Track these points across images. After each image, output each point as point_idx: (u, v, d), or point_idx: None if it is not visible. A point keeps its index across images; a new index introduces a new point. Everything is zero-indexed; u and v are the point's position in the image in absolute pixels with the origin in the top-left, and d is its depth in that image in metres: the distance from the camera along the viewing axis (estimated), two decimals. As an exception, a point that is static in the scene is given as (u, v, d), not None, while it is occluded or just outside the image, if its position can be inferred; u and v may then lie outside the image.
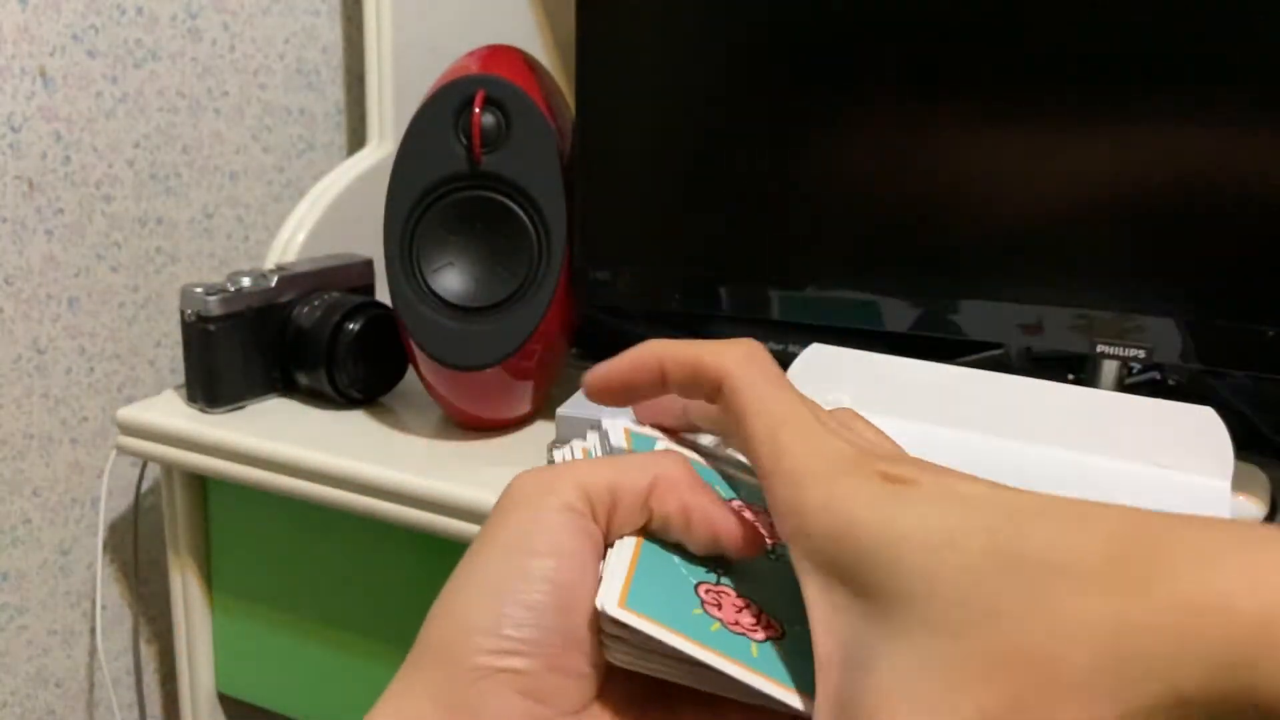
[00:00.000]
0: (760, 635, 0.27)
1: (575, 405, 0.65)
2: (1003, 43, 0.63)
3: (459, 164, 0.69)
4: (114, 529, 0.89)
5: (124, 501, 0.89)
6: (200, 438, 0.73)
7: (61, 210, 0.80)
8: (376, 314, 0.77)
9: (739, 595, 0.29)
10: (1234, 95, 0.59)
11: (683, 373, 0.29)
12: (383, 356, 0.77)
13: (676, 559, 0.29)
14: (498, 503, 0.28)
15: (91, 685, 0.90)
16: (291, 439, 0.71)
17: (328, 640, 0.77)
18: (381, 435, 0.74)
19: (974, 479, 0.24)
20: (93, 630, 0.89)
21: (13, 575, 0.82)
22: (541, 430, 0.75)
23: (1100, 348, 0.64)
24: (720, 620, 0.27)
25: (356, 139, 1.02)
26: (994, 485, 0.23)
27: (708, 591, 0.28)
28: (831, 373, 0.66)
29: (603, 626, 0.26)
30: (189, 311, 0.74)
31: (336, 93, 1.01)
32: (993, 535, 0.21)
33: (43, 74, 0.77)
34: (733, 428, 0.28)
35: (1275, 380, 0.71)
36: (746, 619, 0.28)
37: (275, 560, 0.79)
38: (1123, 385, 0.69)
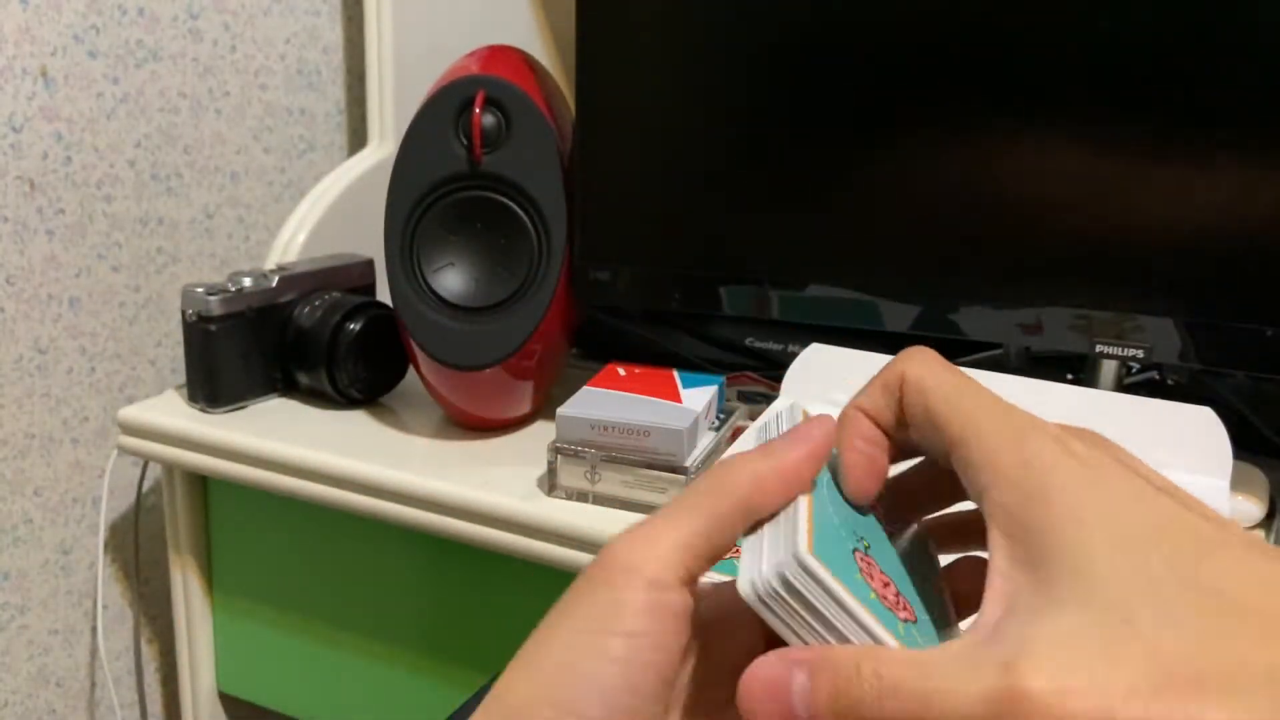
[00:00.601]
0: (902, 614, 0.27)
1: (575, 405, 0.65)
2: (1001, 44, 0.63)
3: (459, 164, 0.69)
4: (115, 529, 0.89)
5: (125, 501, 0.89)
6: (201, 438, 0.73)
7: (63, 210, 0.80)
8: (377, 314, 0.77)
9: (880, 569, 0.29)
10: (1232, 97, 0.59)
11: (880, 399, 0.30)
12: (383, 356, 0.77)
13: (835, 519, 0.29)
14: (587, 571, 0.28)
15: (92, 684, 0.90)
16: (292, 439, 0.71)
17: (328, 639, 0.78)
18: (382, 435, 0.74)
19: (1152, 477, 0.25)
20: (94, 629, 0.89)
21: (14, 574, 0.82)
22: (541, 430, 0.75)
23: (1099, 348, 0.64)
24: (875, 590, 0.27)
25: (357, 139, 1.02)
26: (1175, 496, 0.24)
27: (861, 559, 0.28)
28: (831, 373, 0.67)
29: (786, 574, 0.26)
30: (190, 311, 0.74)
31: (337, 93, 1.01)
32: (1177, 552, 0.23)
33: (44, 74, 0.77)
34: (921, 419, 0.29)
35: (1274, 380, 0.71)
36: (890, 594, 0.28)
37: (276, 560, 0.79)
38: (1122, 385, 0.69)
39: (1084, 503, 0.24)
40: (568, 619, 0.28)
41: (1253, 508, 0.62)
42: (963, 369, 0.29)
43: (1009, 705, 0.21)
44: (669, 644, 0.27)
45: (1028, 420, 0.26)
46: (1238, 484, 0.61)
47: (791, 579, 0.26)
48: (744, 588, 0.26)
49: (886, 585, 0.28)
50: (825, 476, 0.30)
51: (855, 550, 0.28)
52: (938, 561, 0.33)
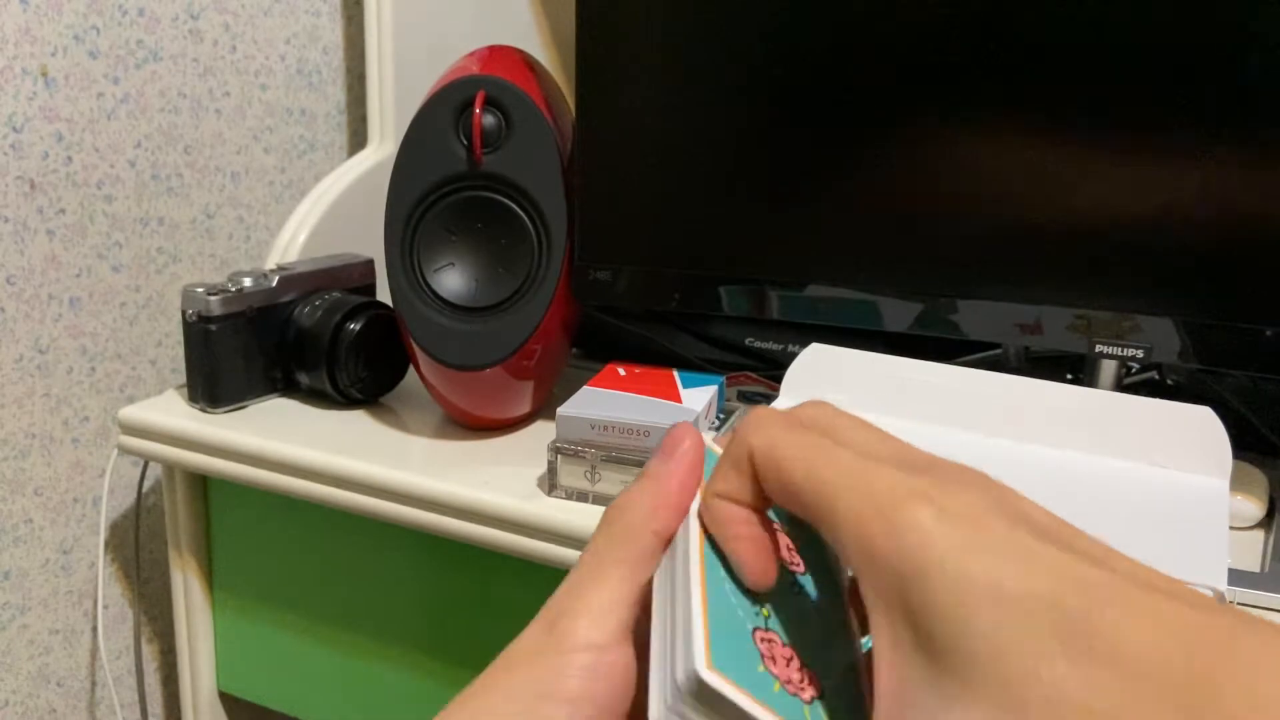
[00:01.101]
0: (807, 695, 0.26)
1: (575, 405, 0.65)
2: (1000, 44, 0.63)
3: (459, 164, 0.69)
4: (115, 528, 0.89)
5: (125, 501, 0.89)
6: (201, 437, 0.73)
7: (63, 210, 0.80)
8: (377, 314, 0.77)
9: (783, 642, 0.28)
10: (1232, 97, 0.59)
11: (735, 481, 0.28)
12: (383, 356, 0.77)
13: (729, 591, 0.28)
14: (529, 629, 0.28)
15: (93, 684, 0.90)
16: (292, 439, 0.71)
17: (328, 639, 0.78)
18: (382, 435, 0.74)
19: (1034, 517, 0.24)
20: (94, 629, 0.89)
21: (14, 574, 0.82)
22: (542, 430, 0.75)
23: (1099, 348, 0.64)
24: (778, 678, 0.26)
25: (357, 139, 1.03)
26: (1059, 541, 0.23)
27: (762, 639, 0.27)
28: (831, 373, 0.67)
29: (684, 688, 0.25)
30: (190, 311, 0.74)
31: (337, 93, 1.01)
32: (1065, 616, 0.21)
33: (44, 74, 0.77)
34: (781, 495, 0.27)
35: (1274, 380, 0.71)
36: (794, 673, 0.27)
37: (276, 559, 0.79)
38: (1121, 385, 0.69)
39: (966, 575, 0.22)
40: (508, 679, 0.28)
41: (1252, 508, 0.62)
42: (805, 421, 0.27)
43: None
44: (614, 705, 0.27)
45: (894, 483, 0.24)
46: (1237, 484, 0.61)
47: (696, 701, 0.25)
48: (655, 714, 0.26)
49: (790, 662, 0.27)
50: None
51: (756, 630, 0.27)
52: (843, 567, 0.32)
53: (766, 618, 0.28)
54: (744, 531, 0.28)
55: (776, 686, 0.26)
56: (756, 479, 0.27)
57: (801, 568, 0.30)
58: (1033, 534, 0.23)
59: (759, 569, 0.28)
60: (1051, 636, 0.21)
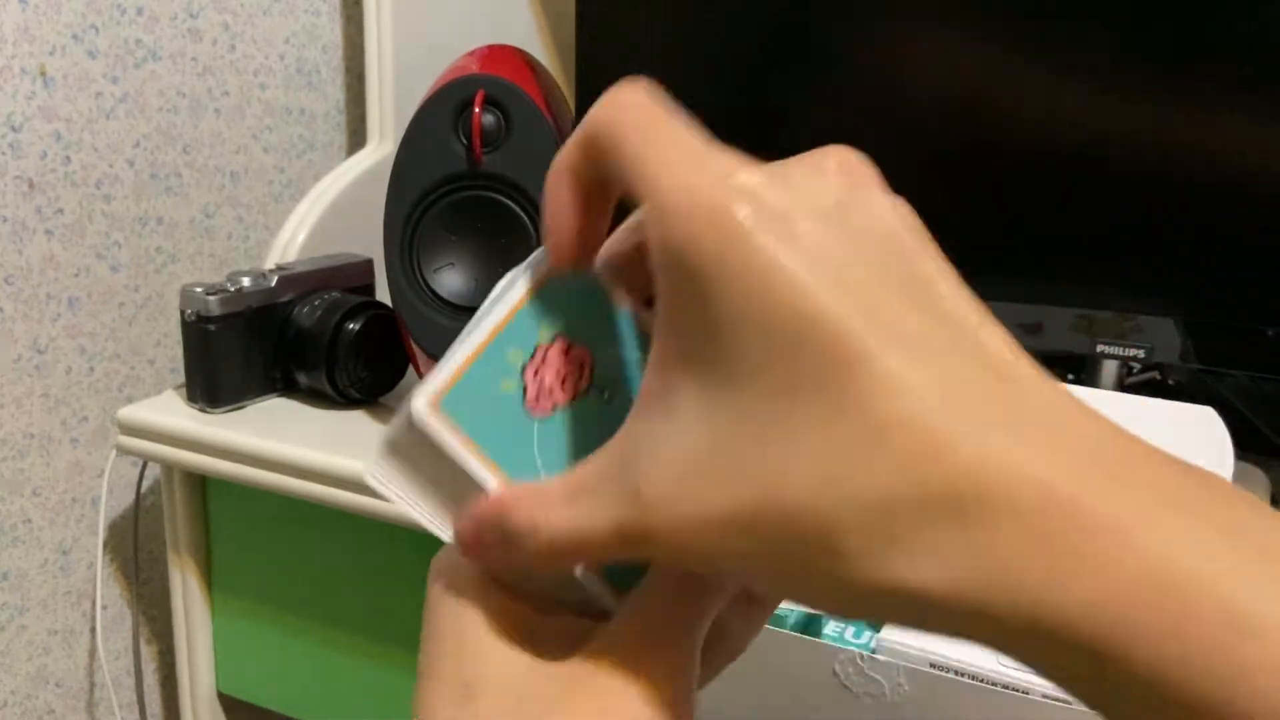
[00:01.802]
0: (559, 399, 0.27)
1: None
2: (997, 44, 0.63)
3: (459, 164, 0.69)
4: (114, 529, 0.89)
5: (124, 501, 0.89)
6: (200, 438, 0.73)
7: (61, 210, 0.80)
8: (377, 314, 0.77)
9: (569, 344, 0.27)
10: (1234, 98, 0.59)
11: (579, 157, 0.25)
12: (383, 356, 0.77)
13: (533, 316, 0.28)
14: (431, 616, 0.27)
15: (91, 685, 0.90)
16: (291, 439, 0.71)
17: (327, 640, 0.77)
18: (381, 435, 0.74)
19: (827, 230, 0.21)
20: (93, 630, 0.89)
21: (13, 575, 0.82)
22: (541, 430, 0.75)
23: (1100, 348, 0.64)
24: (528, 395, 0.27)
25: (357, 139, 1.02)
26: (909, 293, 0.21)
27: (536, 359, 0.27)
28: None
29: (402, 421, 0.26)
30: (189, 311, 0.74)
31: (337, 93, 1.01)
32: (848, 324, 0.19)
33: (43, 74, 0.77)
34: (610, 173, 0.24)
35: (1275, 380, 0.71)
36: (556, 380, 0.27)
37: (275, 560, 0.79)
38: (1123, 385, 0.69)
39: (747, 293, 0.20)
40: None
41: (1254, 508, 0.61)
42: (666, 107, 0.25)
43: (640, 538, 0.21)
44: None
45: (721, 172, 0.22)
46: (1239, 484, 0.60)
47: (411, 436, 0.26)
48: (376, 447, 0.26)
49: (560, 376, 0.27)
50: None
51: (534, 351, 0.27)
52: None
53: (567, 334, 0.28)
54: (567, 205, 0.26)
55: (524, 410, 0.27)
56: (592, 153, 0.25)
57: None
58: (849, 237, 0.21)
59: (562, 248, 0.26)
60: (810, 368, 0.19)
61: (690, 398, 0.21)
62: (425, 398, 0.26)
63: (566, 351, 0.28)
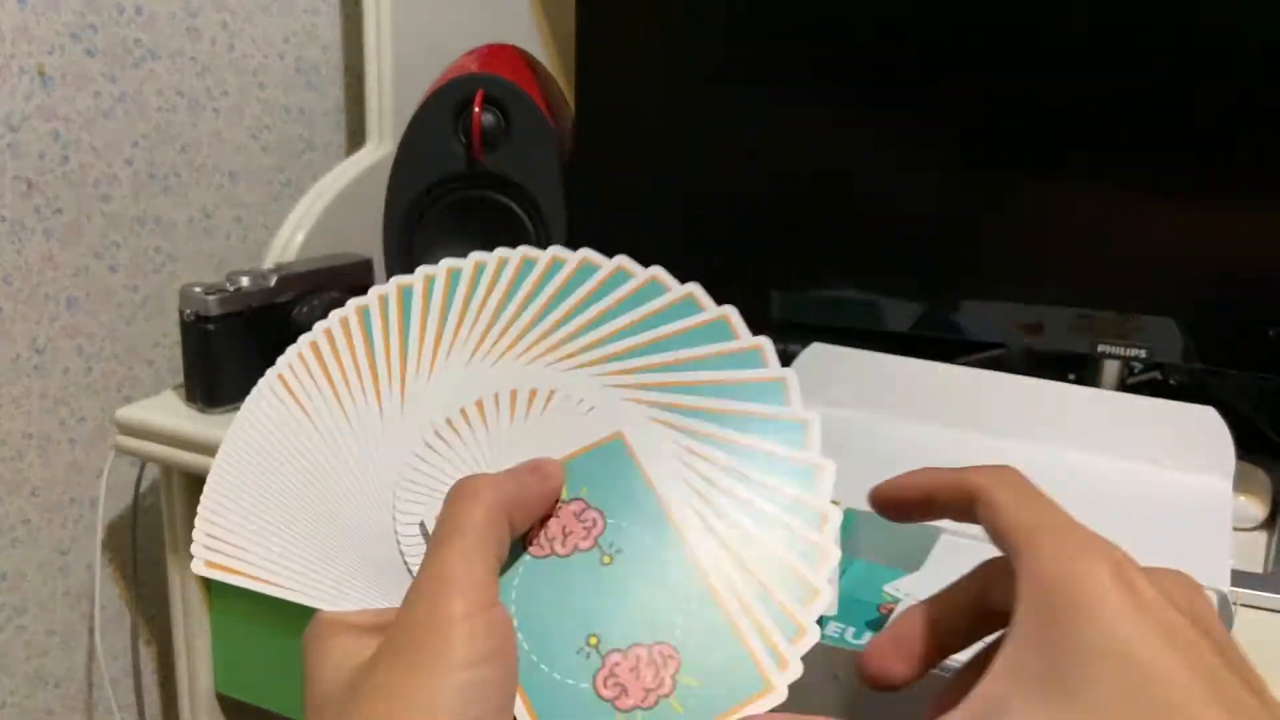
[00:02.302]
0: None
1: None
2: (999, 44, 0.63)
3: (459, 164, 0.69)
4: (113, 529, 0.89)
5: (123, 502, 0.89)
6: (199, 438, 0.73)
7: (60, 210, 0.80)
8: (376, 314, 0.76)
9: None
10: (1233, 99, 0.59)
11: (947, 494, 0.31)
12: (382, 356, 0.77)
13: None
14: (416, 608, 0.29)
15: (90, 685, 0.90)
16: (290, 439, 0.71)
17: (327, 641, 0.77)
18: (381, 435, 0.73)
19: (1213, 631, 0.26)
20: (91, 630, 0.88)
21: (11, 575, 0.82)
22: (541, 430, 0.75)
23: (1101, 348, 0.64)
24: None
25: (356, 138, 1.02)
26: (1222, 655, 0.25)
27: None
28: (831, 373, 0.66)
29: None
30: (188, 311, 0.74)
31: (336, 92, 1.00)
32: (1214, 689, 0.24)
33: (41, 73, 0.77)
34: (989, 532, 0.29)
35: (1277, 380, 0.71)
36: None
37: (274, 560, 0.78)
38: (1123, 385, 0.68)
39: (1114, 632, 0.24)
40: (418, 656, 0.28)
41: (1255, 509, 0.61)
42: (1036, 488, 0.30)
43: None
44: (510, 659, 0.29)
45: (1089, 540, 0.27)
46: (1240, 485, 0.60)
47: None
48: None
49: (564, 531, 0.31)
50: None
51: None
52: None
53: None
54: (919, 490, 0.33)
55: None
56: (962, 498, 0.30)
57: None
58: (1198, 630, 0.25)
59: (903, 489, 0.34)
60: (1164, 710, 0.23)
61: (1028, 708, 0.25)
62: None
63: (580, 513, 0.31)
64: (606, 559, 0.31)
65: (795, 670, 0.30)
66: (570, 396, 0.35)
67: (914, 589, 0.44)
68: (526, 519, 0.31)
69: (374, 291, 0.37)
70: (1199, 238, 0.61)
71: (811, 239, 0.69)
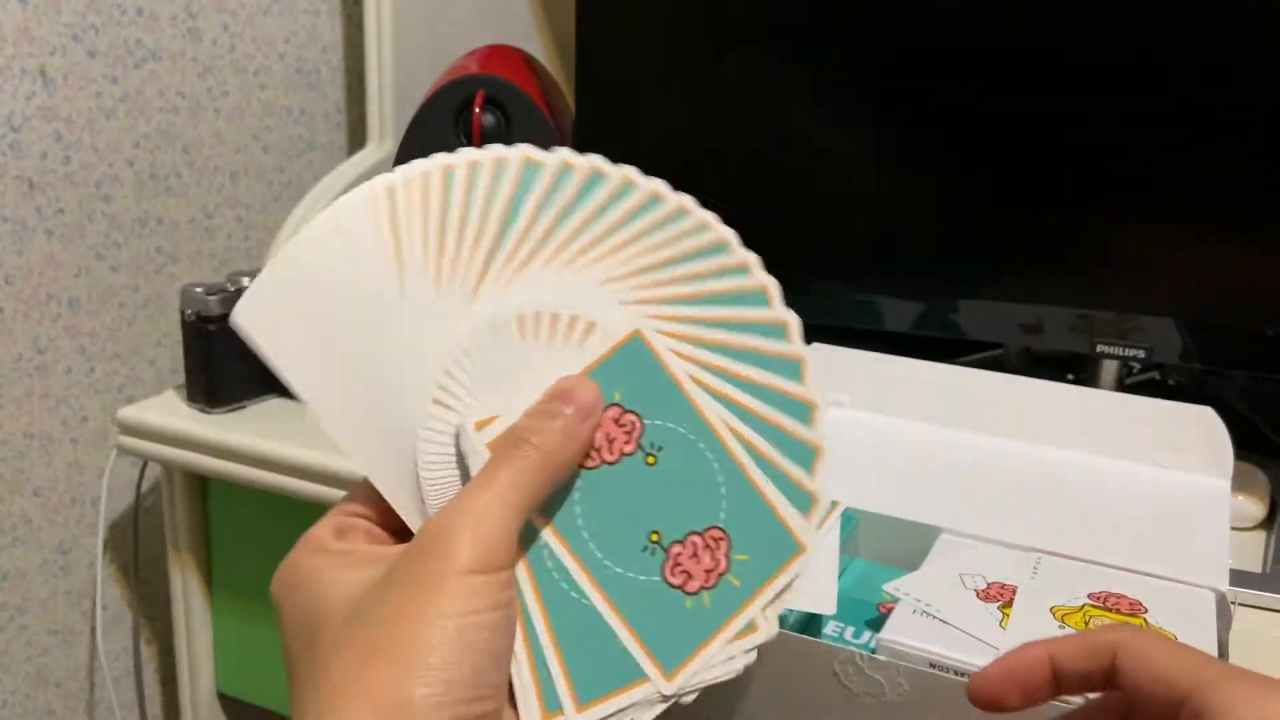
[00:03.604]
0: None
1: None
2: (997, 46, 0.63)
3: (459, 164, 0.69)
4: (114, 529, 0.89)
5: (124, 501, 0.89)
6: (200, 438, 0.73)
7: (62, 210, 0.80)
8: (376, 314, 0.76)
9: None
10: (1233, 96, 0.59)
11: (1075, 659, 0.30)
12: (383, 356, 0.77)
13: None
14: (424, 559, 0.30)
15: (91, 685, 0.90)
16: (291, 439, 0.71)
17: (328, 640, 0.77)
18: (381, 435, 0.74)
19: None
20: (93, 630, 0.89)
21: (13, 575, 0.82)
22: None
23: (1100, 348, 0.64)
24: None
25: (357, 139, 1.02)
26: None
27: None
28: (831, 373, 0.66)
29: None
30: (189, 311, 0.74)
31: (336, 93, 1.01)
32: None
33: (43, 74, 0.77)
34: (1147, 679, 0.29)
35: (1275, 380, 0.71)
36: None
37: (275, 560, 0.78)
38: (1123, 385, 0.69)
39: None
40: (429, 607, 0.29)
41: (1254, 508, 0.62)
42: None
43: None
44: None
45: (1265, 680, 0.28)
46: (1239, 484, 0.60)
47: None
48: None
49: (609, 438, 0.33)
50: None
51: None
52: None
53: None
54: (1026, 670, 0.31)
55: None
56: (1111, 668, 0.30)
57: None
58: None
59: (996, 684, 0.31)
60: None
61: None
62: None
63: (618, 419, 0.33)
64: (650, 459, 0.33)
65: (818, 531, 0.35)
66: (604, 323, 0.35)
67: (914, 589, 0.44)
68: (570, 466, 0.32)
69: (463, 155, 0.36)
70: (1198, 238, 0.61)
71: (811, 239, 0.70)
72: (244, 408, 0.77)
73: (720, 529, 0.33)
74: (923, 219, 0.66)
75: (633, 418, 0.33)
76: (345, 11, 0.99)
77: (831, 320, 0.69)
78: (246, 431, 0.72)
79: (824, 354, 0.67)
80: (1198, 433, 0.58)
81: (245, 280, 0.75)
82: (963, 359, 0.72)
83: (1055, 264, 0.64)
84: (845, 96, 0.66)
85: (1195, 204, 0.61)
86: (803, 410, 0.37)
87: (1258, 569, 0.57)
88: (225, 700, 0.86)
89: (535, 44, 1.02)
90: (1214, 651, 0.40)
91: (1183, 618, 0.42)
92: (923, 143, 0.66)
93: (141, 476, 0.88)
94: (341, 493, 0.68)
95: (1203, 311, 0.62)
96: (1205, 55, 0.59)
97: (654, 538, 0.32)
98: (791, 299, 0.70)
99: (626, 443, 0.33)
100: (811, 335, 0.70)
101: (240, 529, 0.79)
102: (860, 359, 0.66)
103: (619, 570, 0.32)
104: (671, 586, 0.32)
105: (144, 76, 0.84)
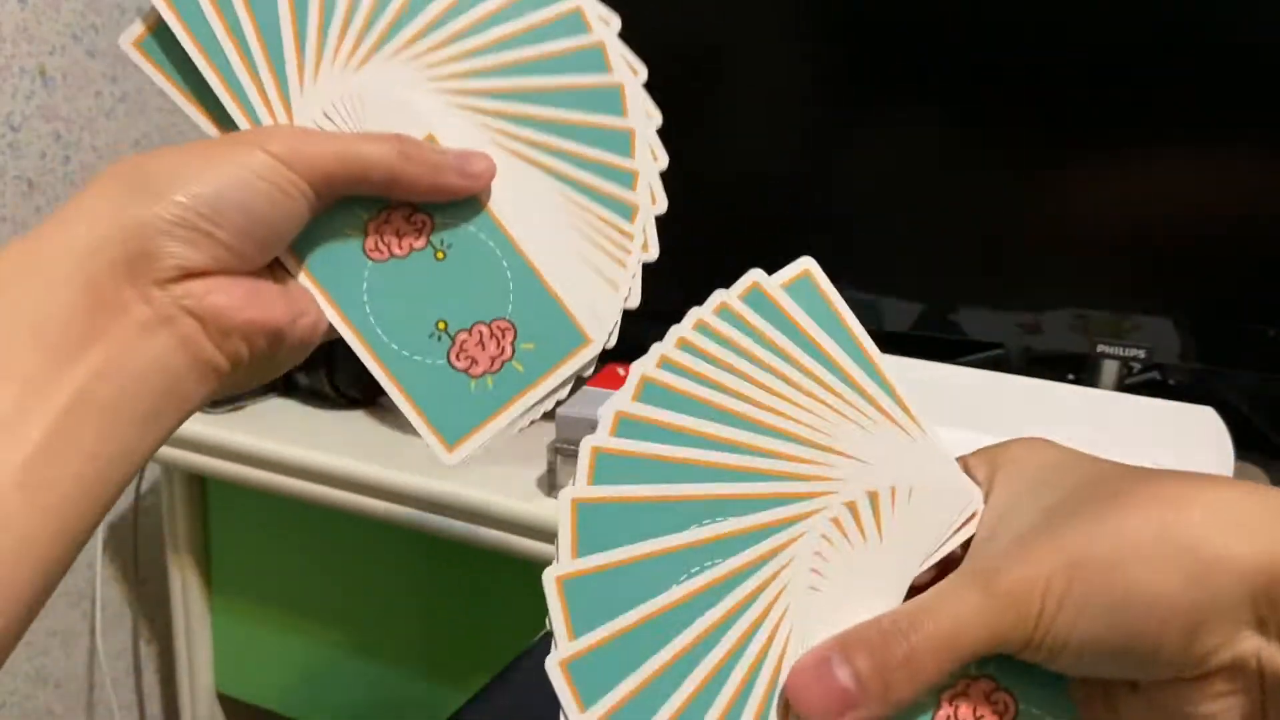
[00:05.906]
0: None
1: (575, 405, 0.65)
2: (997, 45, 0.63)
3: (459, 164, 0.69)
4: (114, 529, 0.89)
5: (124, 502, 0.89)
6: (200, 438, 0.73)
7: (61, 210, 0.80)
8: (376, 314, 0.76)
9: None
10: (1233, 100, 0.59)
11: None
12: (382, 356, 0.77)
13: None
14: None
15: (91, 685, 0.90)
16: (291, 439, 0.71)
17: (327, 640, 0.77)
18: (381, 436, 0.74)
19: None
20: (92, 630, 0.89)
21: (12, 575, 0.82)
22: (542, 430, 0.75)
23: (1100, 348, 0.64)
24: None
25: (356, 139, 1.02)
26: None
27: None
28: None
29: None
30: (189, 311, 0.74)
31: (336, 93, 1.01)
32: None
33: (42, 73, 0.77)
34: None
35: (1275, 380, 0.71)
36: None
37: (275, 560, 0.79)
38: (1123, 385, 0.68)
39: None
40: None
41: (1254, 508, 0.61)
42: None
43: (1002, 602, 0.26)
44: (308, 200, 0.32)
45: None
46: (1239, 484, 0.60)
47: None
48: None
49: (399, 234, 0.36)
50: None
51: (380, 213, 0.35)
52: None
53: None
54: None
55: None
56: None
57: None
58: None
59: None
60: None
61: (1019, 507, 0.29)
62: None
63: (409, 217, 0.35)
64: (440, 254, 0.35)
65: (608, 323, 0.38)
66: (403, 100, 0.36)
67: None
68: (395, 189, 0.34)
69: None
70: (1198, 238, 0.61)
71: (811, 239, 0.69)
72: (243, 408, 0.77)
73: (507, 320, 0.35)
74: (923, 219, 0.66)
75: (424, 216, 0.35)
76: (345, 11, 0.99)
77: (831, 320, 0.69)
78: (245, 431, 0.72)
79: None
80: (1198, 433, 0.58)
81: (245, 280, 0.75)
82: (963, 359, 0.72)
83: (1055, 264, 0.64)
84: (845, 97, 0.66)
85: (1195, 204, 0.61)
86: (621, 140, 0.40)
87: (1258, 569, 0.57)
88: (224, 700, 0.86)
89: None
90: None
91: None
92: (923, 143, 0.66)
93: (141, 477, 0.88)
94: (342, 493, 0.69)
95: (1203, 311, 0.62)
96: (1204, 54, 0.59)
97: (441, 326, 0.35)
98: (791, 299, 0.70)
99: (417, 238, 0.35)
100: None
101: (239, 529, 0.79)
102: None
103: (405, 354, 0.35)
104: (456, 370, 0.35)
105: (143, 76, 0.84)
